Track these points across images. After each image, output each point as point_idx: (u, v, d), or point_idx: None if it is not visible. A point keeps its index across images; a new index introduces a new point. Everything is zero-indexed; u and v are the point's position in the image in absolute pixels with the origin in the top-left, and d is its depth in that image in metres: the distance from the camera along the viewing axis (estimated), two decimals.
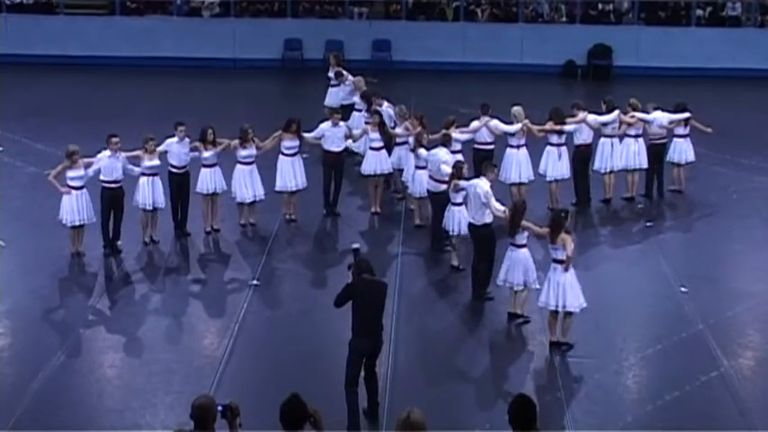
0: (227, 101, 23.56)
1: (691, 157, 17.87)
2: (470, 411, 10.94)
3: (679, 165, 17.91)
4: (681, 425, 10.70)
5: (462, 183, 14.10)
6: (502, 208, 13.30)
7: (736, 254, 15.92)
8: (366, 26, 28.85)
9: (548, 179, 16.88)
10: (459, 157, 15.58)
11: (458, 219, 14.42)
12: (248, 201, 15.94)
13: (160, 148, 15.31)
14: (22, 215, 16.51)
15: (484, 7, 29.26)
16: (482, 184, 13.56)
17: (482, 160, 16.05)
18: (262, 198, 16.05)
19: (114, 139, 14.76)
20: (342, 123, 16.75)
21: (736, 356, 12.26)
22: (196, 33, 28.41)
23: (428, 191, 15.35)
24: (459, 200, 14.41)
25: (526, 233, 12.86)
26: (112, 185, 14.77)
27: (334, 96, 20.15)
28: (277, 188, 16.26)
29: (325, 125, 16.58)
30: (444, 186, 14.76)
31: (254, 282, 14.18)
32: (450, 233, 14.67)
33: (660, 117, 17.41)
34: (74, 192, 14.61)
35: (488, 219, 13.53)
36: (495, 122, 16.64)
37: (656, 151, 17.51)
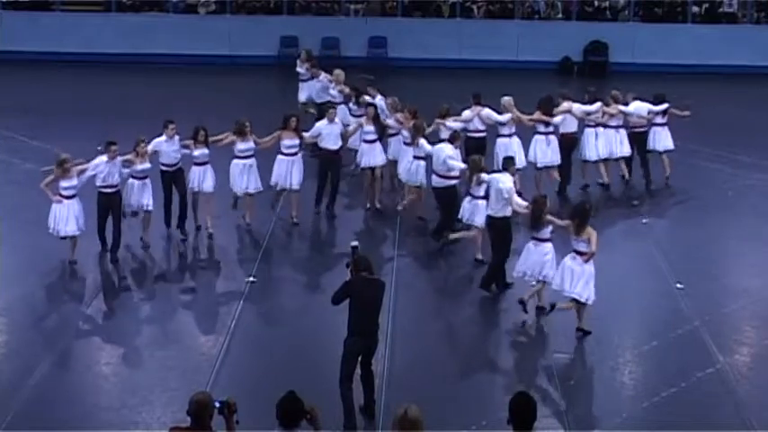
0: (223, 98, 23.52)
1: (670, 144, 18.25)
2: (467, 408, 10.94)
3: (659, 153, 18.28)
4: (677, 421, 10.70)
5: (484, 176, 14.18)
6: (524, 203, 13.40)
7: (732, 251, 15.94)
8: (362, 23, 28.83)
9: (538, 166, 17.20)
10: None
11: (480, 210, 14.40)
12: (241, 192, 15.65)
13: (149, 148, 14.97)
14: (19, 212, 16.45)
15: (480, 4, 29.27)
16: (505, 180, 13.66)
17: (474, 148, 16.28)
18: (260, 189, 15.77)
19: (114, 147, 14.40)
20: (337, 120, 16.58)
21: (732, 353, 12.27)
22: (192, 30, 28.37)
23: (433, 187, 15.39)
24: (482, 193, 14.40)
25: (550, 227, 12.92)
26: (108, 190, 14.50)
27: (306, 91, 20.01)
28: (272, 182, 16.00)
29: (321, 123, 16.44)
30: (451, 182, 14.85)
31: (251, 279, 14.18)
32: (470, 225, 14.65)
33: (639, 108, 17.84)
34: (65, 201, 14.28)
35: (508, 212, 13.60)
36: (487, 111, 16.90)
37: (638, 139, 17.99)
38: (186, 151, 15.37)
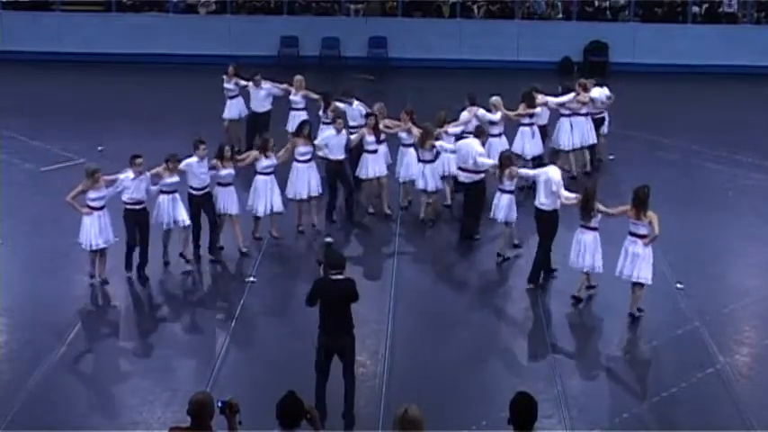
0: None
1: (605, 129, 19.10)
2: (467, 408, 10.94)
3: (603, 136, 19.15)
4: (677, 422, 10.73)
5: (529, 171, 14.30)
6: (572, 195, 13.59)
7: (732, 251, 15.93)
8: (362, 23, 28.80)
9: (528, 157, 17.53)
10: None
11: (511, 206, 14.52)
12: (262, 214, 15.28)
13: (179, 167, 14.35)
14: (18, 212, 16.49)
15: (480, 4, 29.26)
16: (554, 173, 13.76)
17: None
18: (281, 210, 15.45)
19: (139, 160, 13.69)
20: (344, 131, 16.28)
21: (732, 353, 12.28)
22: (192, 30, 28.35)
23: (461, 182, 15.49)
24: (512, 188, 14.51)
25: (599, 216, 13.08)
26: (136, 207, 13.86)
27: (236, 107, 19.65)
28: (289, 195, 15.74)
29: (329, 133, 16.23)
30: (480, 176, 15.02)
31: (251, 279, 14.18)
32: (499, 221, 14.78)
33: (600, 93, 18.58)
34: (95, 213, 13.62)
35: (558, 205, 13.70)
36: (482, 112, 17.13)
37: (597, 124, 18.72)
38: (213, 172, 14.72)
